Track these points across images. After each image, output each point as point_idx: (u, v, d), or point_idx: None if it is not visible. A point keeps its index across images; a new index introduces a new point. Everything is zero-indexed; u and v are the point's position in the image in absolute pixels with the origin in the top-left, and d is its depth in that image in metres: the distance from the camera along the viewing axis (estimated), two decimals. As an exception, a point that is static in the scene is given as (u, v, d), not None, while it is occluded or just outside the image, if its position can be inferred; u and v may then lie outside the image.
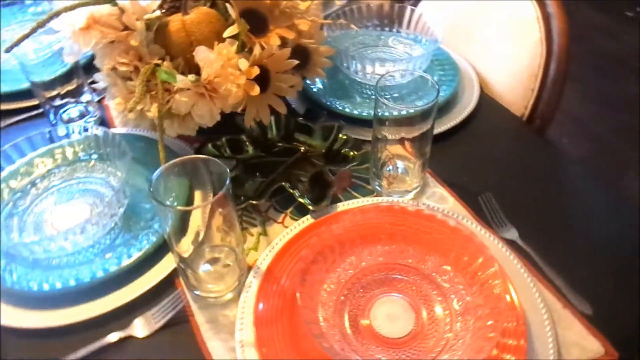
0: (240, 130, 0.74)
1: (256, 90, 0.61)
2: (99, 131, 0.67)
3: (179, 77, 0.58)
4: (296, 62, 0.67)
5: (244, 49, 0.64)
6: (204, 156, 0.52)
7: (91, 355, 0.53)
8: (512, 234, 0.62)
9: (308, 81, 0.83)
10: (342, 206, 0.65)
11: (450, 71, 0.84)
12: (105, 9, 0.64)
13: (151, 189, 0.48)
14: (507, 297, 0.52)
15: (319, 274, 0.53)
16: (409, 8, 0.88)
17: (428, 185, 0.69)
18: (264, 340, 0.51)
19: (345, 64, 0.82)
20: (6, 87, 0.84)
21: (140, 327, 0.55)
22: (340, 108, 0.79)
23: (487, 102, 0.83)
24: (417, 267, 0.57)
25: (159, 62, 0.63)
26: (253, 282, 0.57)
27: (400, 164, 0.69)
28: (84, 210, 0.64)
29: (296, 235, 0.61)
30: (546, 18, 0.80)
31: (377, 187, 0.68)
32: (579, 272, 0.58)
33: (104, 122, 0.82)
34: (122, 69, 0.62)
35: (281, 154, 0.74)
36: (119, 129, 0.79)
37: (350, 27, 0.86)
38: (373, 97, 0.80)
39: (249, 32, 0.64)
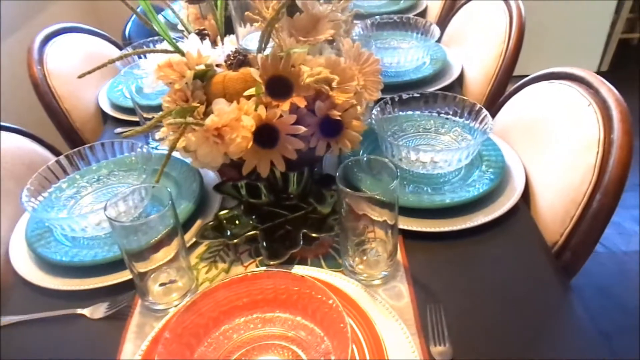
0: (267, 178, 0.82)
1: (249, 144, 0.69)
2: (145, 150, 0.82)
3: (182, 120, 0.70)
4: (302, 129, 0.72)
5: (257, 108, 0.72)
6: (156, 185, 0.62)
7: (51, 318, 0.66)
8: (443, 354, 0.57)
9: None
10: (295, 269, 0.68)
11: (493, 171, 0.79)
12: (177, 57, 0.80)
13: (105, 209, 0.59)
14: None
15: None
16: (476, 105, 0.86)
17: (395, 278, 0.67)
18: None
19: (383, 145, 0.84)
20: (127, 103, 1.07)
21: (92, 311, 0.66)
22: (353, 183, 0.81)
23: (520, 216, 0.75)
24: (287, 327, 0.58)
25: (198, 105, 0.76)
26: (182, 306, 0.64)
27: (376, 248, 0.68)
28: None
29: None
30: (607, 144, 0.70)
31: (346, 264, 0.69)
32: None
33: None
34: (165, 105, 0.76)
35: (288, 208, 0.80)
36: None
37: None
38: (404, 180, 0.81)
39: (267, 95, 0.72)
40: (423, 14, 1.49)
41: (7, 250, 0.77)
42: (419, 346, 0.58)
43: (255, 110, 0.72)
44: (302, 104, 0.73)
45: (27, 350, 0.64)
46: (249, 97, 0.73)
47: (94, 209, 0.74)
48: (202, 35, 0.94)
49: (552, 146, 0.80)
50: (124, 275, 0.70)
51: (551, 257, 0.71)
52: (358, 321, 0.58)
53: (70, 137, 1.09)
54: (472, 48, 1.15)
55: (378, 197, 0.62)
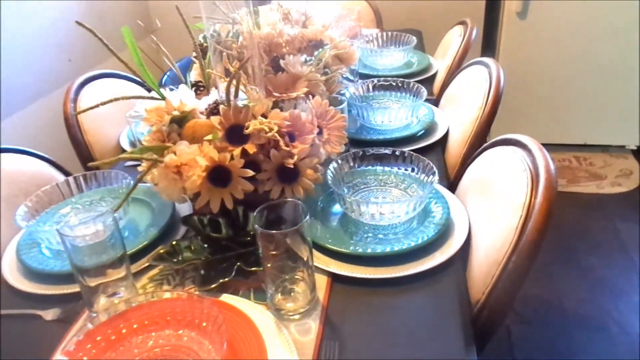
0: (230, 215, 0.91)
1: (198, 182, 0.78)
2: (128, 181, 0.94)
3: (149, 155, 0.81)
4: (250, 172, 0.81)
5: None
6: (108, 210, 0.72)
7: (16, 315, 0.77)
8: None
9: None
10: (223, 297, 0.75)
11: (434, 227, 0.83)
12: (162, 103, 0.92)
13: (57, 228, 0.70)
14: None
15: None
16: (429, 164, 0.91)
17: (310, 316, 0.72)
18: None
19: (339, 200, 0.90)
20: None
21: (47, 314, 0.77)
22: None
23: (452, 272, 0.78)
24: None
25: (171, 144, 0.87)
26: (116, 317, 0.72)
27: (295, 287, 0.74)
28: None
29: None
30: (530, 208, 0.72)
31: (269, 297, 0.74)
32: None
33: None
34: (145, 143, 0.88)
35: (243, 244, 0.87)
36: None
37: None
38: (354, 233, 0.86)
39: (225, 141, 0.82)
40: (434, 77, 1.56)
41: (1, 255, 0.90)
42: (307, 378, 0.62)
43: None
44: (251, 150, 0.82)
45: (-12, 340, 0.75)
46: (211, 141, 0.84)
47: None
48: (197, 86, 1.07)
49: (492, 208, 0.82)
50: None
51: (466, 316, 0.73)
52: (252, 346, 0.64)
53: (88, 166, 1.24)
54: (459, 110, 1.20)
55: (286, 235, 0.69)
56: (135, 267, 0.84)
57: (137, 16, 2.49)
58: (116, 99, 0.89)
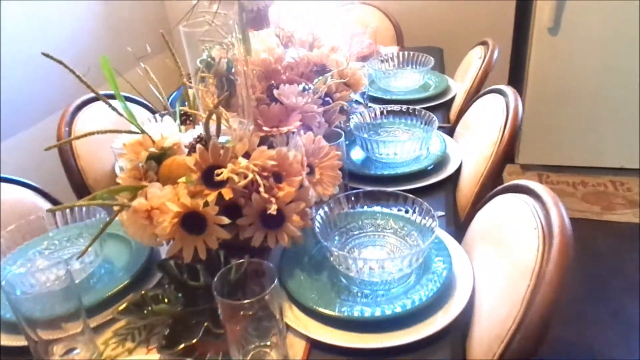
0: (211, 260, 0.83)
1: (168, 229, 0.71)
2: (100, 216, 0.88)
3: (99, 202, 0.74)
4: (226, 220, 0.73)
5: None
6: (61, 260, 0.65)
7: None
8: None
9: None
10: (183, 363, 0.67)
11: (432, 286, 0.73)
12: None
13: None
14: None
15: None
16: (430, 210, 0.81)
17: (280, 390, 0.64)
18: None
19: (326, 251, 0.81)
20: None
21: (0, 369, 0.71)
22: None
23: (450, 342, 0.68)
24: None
25: (147, 183, 0.80)
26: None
27: (269, 355, 0.66)
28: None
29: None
30: (541, 276, 0.62)
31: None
32: None
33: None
34: (118, 180, 0.81)
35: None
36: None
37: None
38: (344, 290, 0.77)
39: (202, 184, 0.75)
40: (452, 100, 1.45)
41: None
42: None
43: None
44: (227, 196, 0.74)
45: None
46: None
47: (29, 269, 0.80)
48: (186, 116, 1.01)
49: (499, 268, 0.72)
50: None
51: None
52: None
53: (80, 193, 1.19)
54: (473, 144, 1.10)
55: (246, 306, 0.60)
56: (101, 318, 0.77)
57: (156, 27, 2.47)
58: (91, 133, 0.83)
